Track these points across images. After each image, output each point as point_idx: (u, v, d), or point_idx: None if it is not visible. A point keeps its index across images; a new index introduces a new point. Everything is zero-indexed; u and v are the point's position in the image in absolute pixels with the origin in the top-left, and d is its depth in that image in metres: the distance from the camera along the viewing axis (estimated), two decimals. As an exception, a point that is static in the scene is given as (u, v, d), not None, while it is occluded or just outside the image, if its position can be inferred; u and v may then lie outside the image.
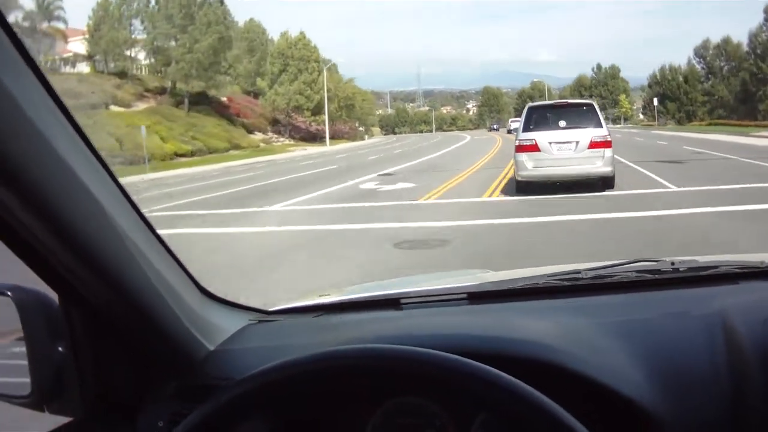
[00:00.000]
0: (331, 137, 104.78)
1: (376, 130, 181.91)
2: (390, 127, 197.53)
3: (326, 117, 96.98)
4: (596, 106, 20.96)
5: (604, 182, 19.73)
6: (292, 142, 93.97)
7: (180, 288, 1.74)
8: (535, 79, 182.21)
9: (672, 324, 1.73)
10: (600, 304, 1.96)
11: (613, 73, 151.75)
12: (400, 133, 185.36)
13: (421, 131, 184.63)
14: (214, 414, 1.38)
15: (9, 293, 1.69)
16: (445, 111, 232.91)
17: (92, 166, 1.42)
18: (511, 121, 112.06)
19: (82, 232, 1.40)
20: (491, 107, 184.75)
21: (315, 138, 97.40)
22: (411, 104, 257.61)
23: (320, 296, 2.39)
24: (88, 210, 1.41)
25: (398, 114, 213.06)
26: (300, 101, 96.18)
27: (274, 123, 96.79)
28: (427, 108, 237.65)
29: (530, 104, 22.25)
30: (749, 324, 1.63)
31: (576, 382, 1.55)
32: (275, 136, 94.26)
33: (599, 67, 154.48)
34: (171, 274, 1.70)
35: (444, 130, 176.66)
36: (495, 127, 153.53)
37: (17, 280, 1.72)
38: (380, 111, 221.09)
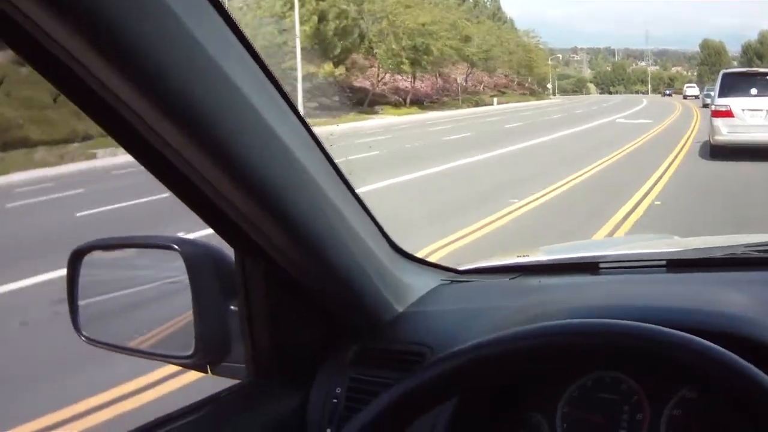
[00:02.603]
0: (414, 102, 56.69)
1: (593, 87, 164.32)
2: (606, 85, 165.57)
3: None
4: None
5: None
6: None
7: (372, 242, 1.47)
8: (765, 28, 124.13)
9: None
10: None
11: None
12: (615, 92, 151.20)
13: (637, 91, 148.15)
14: (436, 381, 1.14)
15: (176, 247, 1.46)
16: (675, 71, 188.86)
17: (281, 111, 1.20)
18: (687, 86, 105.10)
19: (267, 180, 1.17)
20: (712, 66, 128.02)
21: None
22: (641, 63, 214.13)
23: (518, 256, 2.06)
24: (275, 155, 1.18)
25: (615, 71, 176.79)
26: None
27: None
28: (653, 66, 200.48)
29: (724, 71, 21.26)
30: None
31: None
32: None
33: None
34: (364, 228, 1.45)
35: (659, 92, 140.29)
36: (668, 92, 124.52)
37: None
38: (609, 67, 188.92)
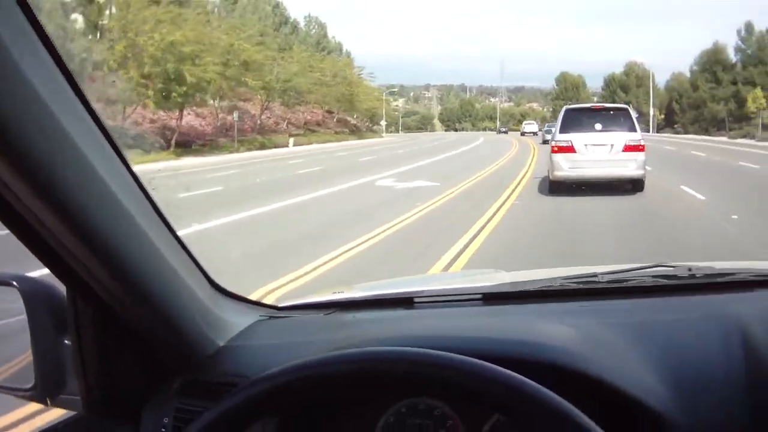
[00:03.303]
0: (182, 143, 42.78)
1: (438, 124, 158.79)
2: (452, 122, 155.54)
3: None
4: (631, 111, 19.91)
5: (635, 185, 18.07)
6: None
7: (192, 282, 1.54)
8: (632, 59, 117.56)
9: (689, 330, 1.57)
10: (616, 309, 1.79)
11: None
12: (462, 129, 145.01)
13: (485, 128, 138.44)
14: (230, 412, 1.23)
15: (15, 283, 1.54)
16: (528, 107, 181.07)
17: (104, 152, 1.24)
18: (526, 124, 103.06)
19: (93, 221, 1.22)
20: (569, 100, 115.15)
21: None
22: (494, 99, 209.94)
23: (333, 293, 2.12)
24: (101, 199, 1.23)
25: (462, 108, 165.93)
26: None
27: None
28: (508, 103, 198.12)
29: (567, 106, 21.22)
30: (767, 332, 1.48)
31: (592, 386, 1.40)
32: None
33: (749, 29, 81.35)
34: (183, 267, 1.51)
35: (511, 129, 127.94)
36: (503, 130, 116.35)
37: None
38: (457, 104, 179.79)
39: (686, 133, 79.15)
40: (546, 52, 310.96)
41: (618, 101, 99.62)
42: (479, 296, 1.88)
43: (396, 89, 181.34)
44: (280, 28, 76.86)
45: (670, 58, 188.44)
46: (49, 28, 0.90)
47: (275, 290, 8.55)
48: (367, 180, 24.50)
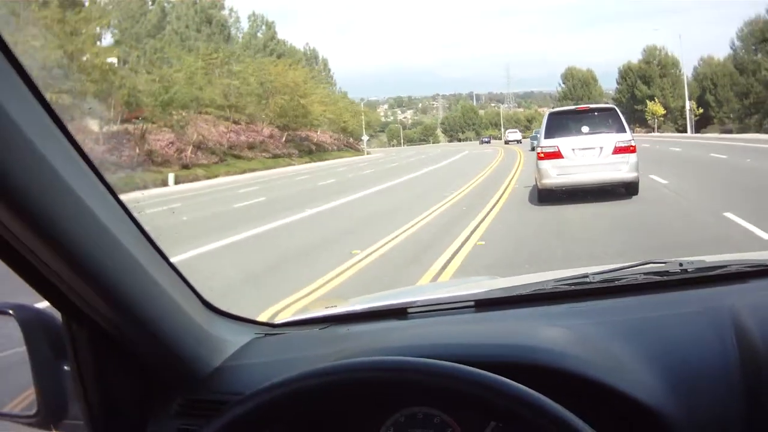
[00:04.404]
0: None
1: (441, 135, 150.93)
2: (454, 131, 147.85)
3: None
4: (618, 111, 17.71)
5: (628, 188, 16.49)
6: None
7: (184, 303, 1.54)
8: (651, 44, 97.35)
9: (682, 325, 1.55)
10: (609, 308, 1.75)
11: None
12: (465, 139, 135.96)
13: (489, 136, 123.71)
14: (224, 430, 1.24)
15: (11, 312, 1.55)
16: (534, 110, 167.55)
17: (91, 182, 1.26)
18: (508, 132, 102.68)
19: (82, 249, 1.24)
20: (579, 100, 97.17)
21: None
22: (502, 105, 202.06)
23: (326, 308, 2.14)
24: (89, 227, 1.25)
25: (464, 116, 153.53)
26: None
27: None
28: (517, 108, 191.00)
29: (551, 110, 20.02)
30: (762, 322, 1.46)
31: (587, 387, 1.39)
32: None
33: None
34: (174, 289, 1.52)
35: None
36: (486, 140, 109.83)
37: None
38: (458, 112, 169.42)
39: (744, 131, 57.81)
40: (557, 57, 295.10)
41: (639, 96, 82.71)
42: (472, 303, 1.84)
43: (404, 100, 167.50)
44: (201, 28, 60.00)
45: (690, 46, 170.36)
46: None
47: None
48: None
